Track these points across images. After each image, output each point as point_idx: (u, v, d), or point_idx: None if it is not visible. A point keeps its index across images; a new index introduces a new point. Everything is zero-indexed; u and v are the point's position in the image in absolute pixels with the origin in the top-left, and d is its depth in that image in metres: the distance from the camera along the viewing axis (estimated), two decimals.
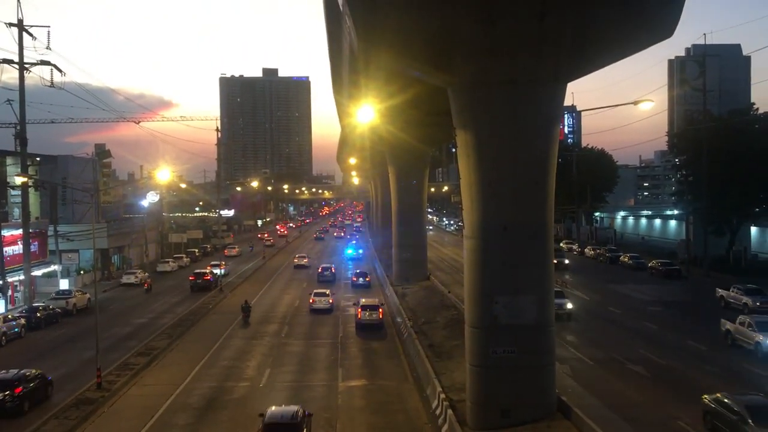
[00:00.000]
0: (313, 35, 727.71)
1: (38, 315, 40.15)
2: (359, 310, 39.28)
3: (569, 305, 41.23)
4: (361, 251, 58.60)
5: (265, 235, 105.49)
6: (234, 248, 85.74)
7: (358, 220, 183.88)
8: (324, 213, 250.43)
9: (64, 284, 53.42)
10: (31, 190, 52.64)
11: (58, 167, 66.47)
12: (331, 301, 45.57)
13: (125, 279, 58.94)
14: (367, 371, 29.63)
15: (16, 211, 56.14)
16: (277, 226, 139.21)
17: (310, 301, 45.36)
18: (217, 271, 59.00)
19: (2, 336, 35.47)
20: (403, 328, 36.49)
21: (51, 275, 54.63)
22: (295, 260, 73.55)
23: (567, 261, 68.32)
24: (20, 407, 23.48)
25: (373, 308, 39.07)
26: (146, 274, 61.17)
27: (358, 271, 60.86)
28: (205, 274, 55.79)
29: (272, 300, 50.57)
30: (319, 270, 61.49)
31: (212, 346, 34.63)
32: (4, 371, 25.10)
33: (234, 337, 37.05)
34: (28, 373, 24.52)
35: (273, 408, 20.72)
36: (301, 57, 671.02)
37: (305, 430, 19.82)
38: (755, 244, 75.59)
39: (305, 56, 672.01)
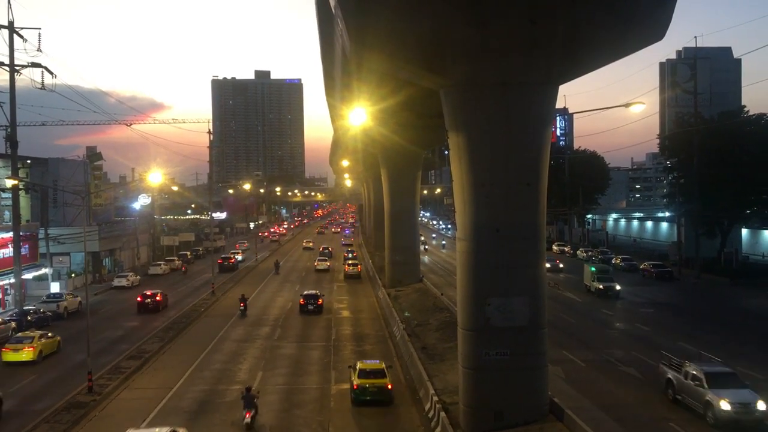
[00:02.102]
0: (305, 38, 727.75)
1: (29, 318, 39.88)
2: (346, 266, 65.63)
3: None
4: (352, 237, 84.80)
5: (266, 234, 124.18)
6: (244, 243, 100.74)
7: (351, 220, 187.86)
8: (318, 215, 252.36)
9: (54, 287, 53.11)
10: (22, 193, 52.28)
11: (48, 170, 66.19)
12: (328, 264, 70.78)
13: (116, 282, 58.77)
14: None
15: (7, 214, 55.79)
16: (273, 228, 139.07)
17: (315, 264, 70.65)
18: (238, 257, 77.58)
19: None
20: (396, 330, 36.51)
21: (42, 278, 54.33)
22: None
23: (618, 287, 50.85)
24: (157, 308, 46.38)
25: (355, 265, 65.55)
26: (138, 277, 61.21)
27: (348, 249, 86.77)
28: (230, 258, 73.22)
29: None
30: (321, 249, 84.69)
31: (204, 349, 34.50)
32: (149, 290, 48.42)
33: (226, 340, 36.94)
34: (160, 291, 48.20)
35: (305, 291, 46.71)
36: (294, 59, 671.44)
37: (321, 299, 45.30)
38: (746, 246, 75.95)
39: (297, 59, 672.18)
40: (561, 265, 67.53)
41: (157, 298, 46.46)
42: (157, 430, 19.66)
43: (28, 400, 26.04)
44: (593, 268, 53.40)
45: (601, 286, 50.53)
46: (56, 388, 27.15)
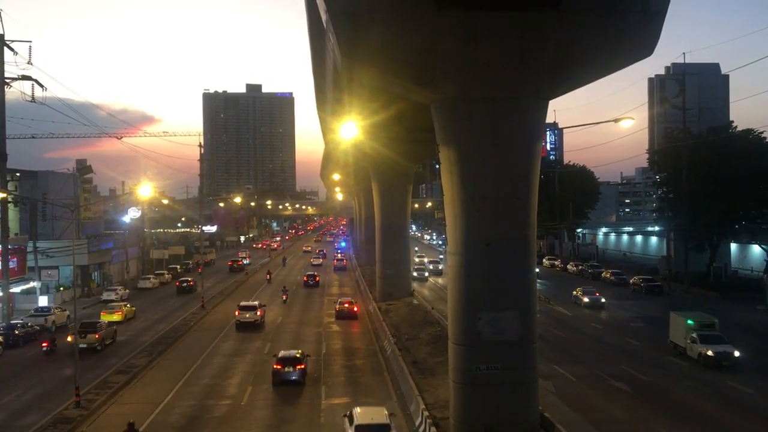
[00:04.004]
0: (296, 52, 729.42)
1: (16, 333, 39.50)
2: (335, 261, 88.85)
3: None
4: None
5: (261, 246, 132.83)
6: (246, 251, 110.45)
7: (343, 231, 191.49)
8: (311, 228, 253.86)
9: (43, 301, 52.64)
10: (11, 206, 52.10)
11: (38, 183, 66.05)
12: (321, 261, 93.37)
13: (105, 296, 58.27)
14: (351, 389, 29.42)
15: None
16: (266, 241, 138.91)
17: (311, 261, 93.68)
18: (245, 261, 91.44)
19: None
20: (387, 344, 36.38)
21: (30, 292, 53.88)
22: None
23: (738, 353, 32.58)
24: (190, 291, 61.73)
25: (341, 260, 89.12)
26: (127, 291, 60.87)
27: (337, 252, 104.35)
28: (239, 260, 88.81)
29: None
30: (317, 251, 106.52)
31: (193, 363, 34.24)
32: (186, 278, 65.39)
33: (216, 354, 36.70)
34: (192, 278, 64.64)
35: (307, 273, 71.50)
36: (285, 73, 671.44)
37: (318, 277, 68.45)
38: (735, 261, 76.33)
39: (289, 73, 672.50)
40: (603, 300, 53.00)
41: (191, 282, 63.47)
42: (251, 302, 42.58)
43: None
44: (691, 321, 34.83)
45: (710, 353, 32.24)
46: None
